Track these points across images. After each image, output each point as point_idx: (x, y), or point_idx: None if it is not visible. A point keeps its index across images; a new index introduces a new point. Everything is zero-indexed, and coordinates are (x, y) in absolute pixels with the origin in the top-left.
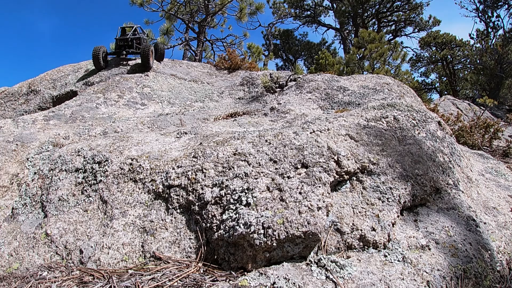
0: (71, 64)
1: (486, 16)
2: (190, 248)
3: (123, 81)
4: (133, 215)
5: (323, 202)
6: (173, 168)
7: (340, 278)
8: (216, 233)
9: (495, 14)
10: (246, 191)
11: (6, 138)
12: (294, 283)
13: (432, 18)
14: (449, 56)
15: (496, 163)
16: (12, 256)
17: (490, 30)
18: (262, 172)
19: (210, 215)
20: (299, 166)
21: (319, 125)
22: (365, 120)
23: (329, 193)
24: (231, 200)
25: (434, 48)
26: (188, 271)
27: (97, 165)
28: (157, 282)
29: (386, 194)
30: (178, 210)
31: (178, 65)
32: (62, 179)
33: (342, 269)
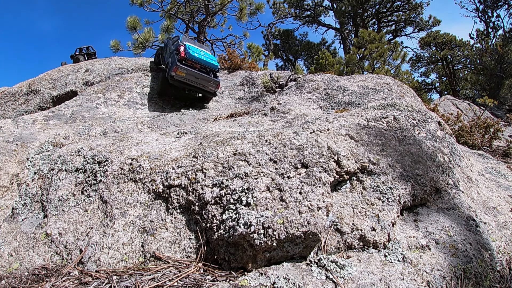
0: (71, 64)
1: (486, 16)
2: (190, 248)
3: (123, 81)
4: (133, 215)
5: (323, 202)
6: (173, 168)
7: (340, 278)
8: (216, 233)
9: (495, 14)
10: (246, 191)
11: (6, 138)
12: (294, 283)
13: (432, 18)
14: (449, 56)
15: (496, 163)
16: (12, 256)
17: (490, 30)
18: (262, 172)
19: (210, 215)
20: (299, 166)
21: (319, 125)
22: (365, 120)
23: (329, 193)
24: (231, 200)
25: (434, 48)
26: (188, 271)
27: (97, 165)
28: (157, 282)
29: (386, 194)
30: (178, 210)
31: None
32: (62, 179)
33: (342, 269)
